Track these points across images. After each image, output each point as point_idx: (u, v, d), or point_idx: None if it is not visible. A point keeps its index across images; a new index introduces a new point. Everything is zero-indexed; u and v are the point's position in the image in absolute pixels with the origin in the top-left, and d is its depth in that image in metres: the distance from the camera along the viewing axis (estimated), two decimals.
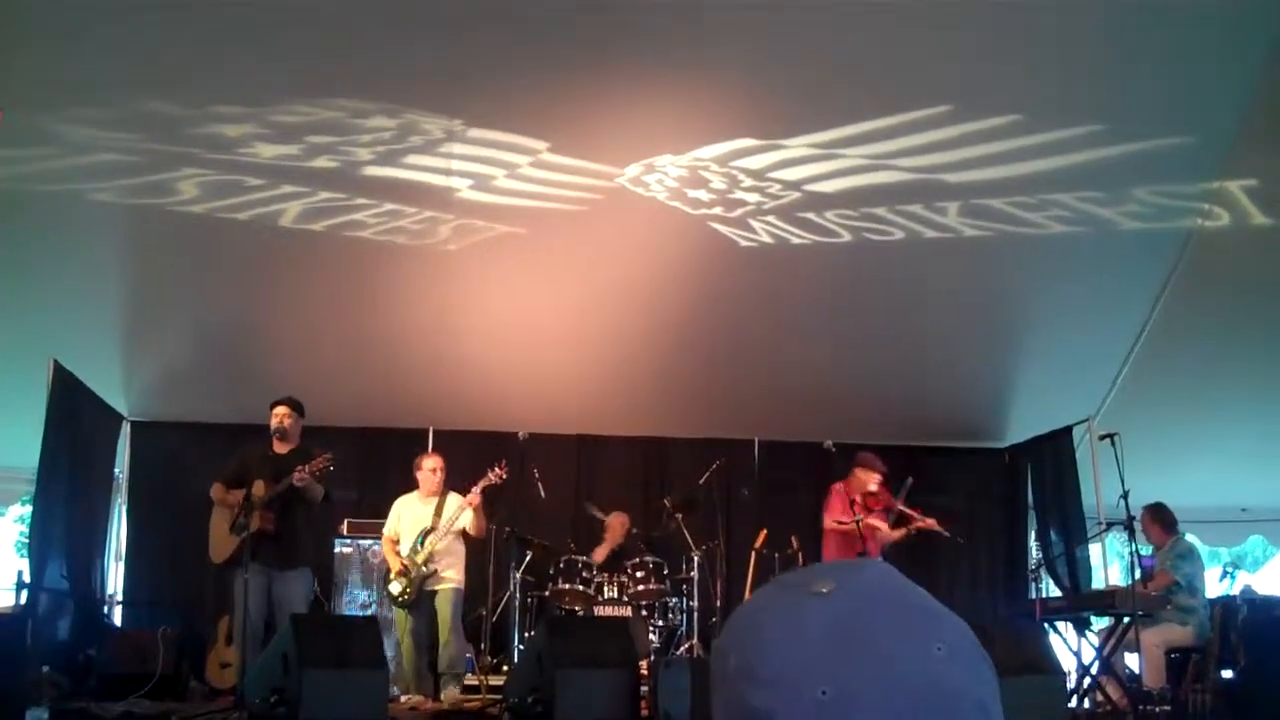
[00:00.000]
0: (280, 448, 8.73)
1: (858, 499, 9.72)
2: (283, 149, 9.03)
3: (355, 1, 8.14)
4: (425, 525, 9.36)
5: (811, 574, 1.03)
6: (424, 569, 9.22)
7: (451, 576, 9.38)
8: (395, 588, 9.28)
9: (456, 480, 9.63)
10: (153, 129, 8.83)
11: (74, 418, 9.83)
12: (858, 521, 9.44)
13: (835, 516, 9.76)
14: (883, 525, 9.69)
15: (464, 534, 9.48)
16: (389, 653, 8.75)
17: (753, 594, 1.06)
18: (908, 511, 9.84)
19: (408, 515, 9.50)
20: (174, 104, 8.69)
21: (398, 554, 9.35)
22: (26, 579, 8.80)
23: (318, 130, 8.91)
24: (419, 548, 9.27)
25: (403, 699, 9.26)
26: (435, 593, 9.30)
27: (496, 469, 9.61)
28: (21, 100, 8.33)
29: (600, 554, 10.83)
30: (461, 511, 9.37)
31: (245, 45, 8.30)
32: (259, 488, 8.39)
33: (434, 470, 9.51)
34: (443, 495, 9.51)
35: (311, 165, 9.19)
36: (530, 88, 8.66)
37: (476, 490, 9.43)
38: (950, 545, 11.40)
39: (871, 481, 9.80)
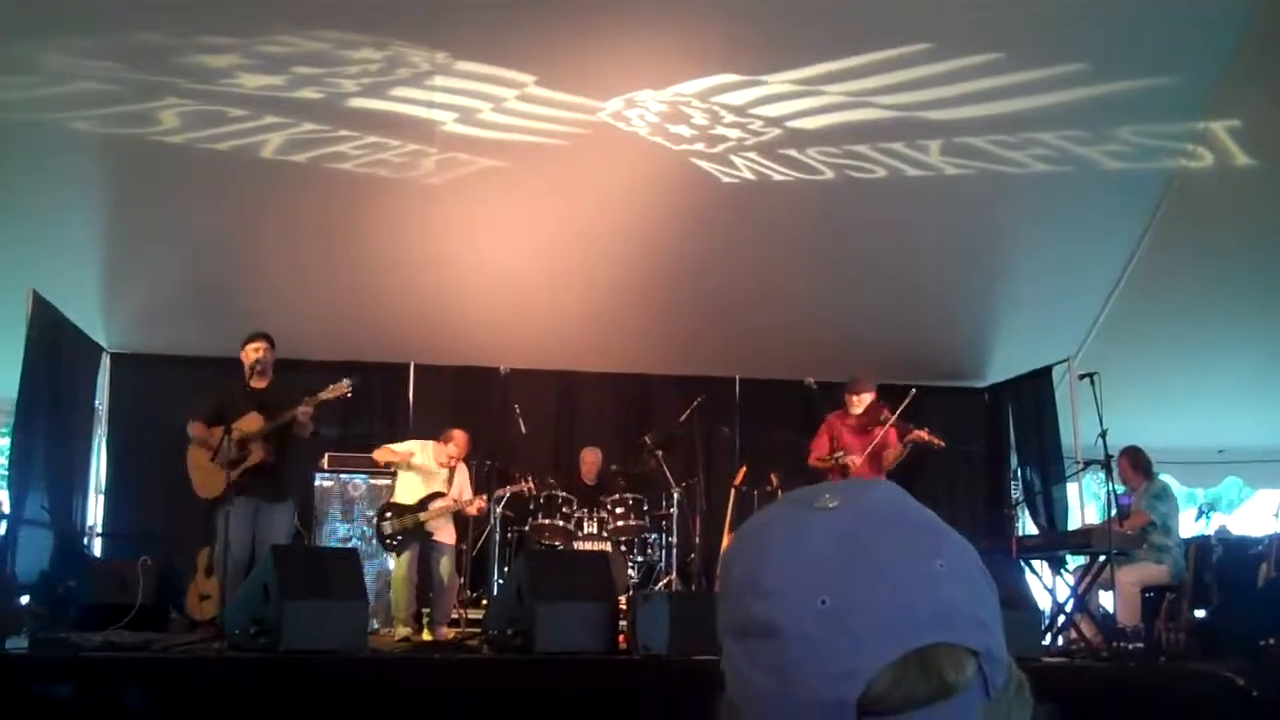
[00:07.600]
0: (258, 382, 8.69)
1: (849, 425, 9.73)
2: (267, 79, 8.94)
3: None
4: (436, 489, 9.46)
5: (820, 491, 1.04)
6: (419, 518, 9.35)
7: (447, 539, 9.53)
8: (388, 528, 9.37)
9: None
10: (136, 58, 8.71)
11: (54, 349, 9.75)
12: (836, 459, 9.51)
13: (817, 454, 9.80)
14: (857, 458, 9.57)
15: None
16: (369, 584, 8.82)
17: (760, 510, 1.08)
18: (904, 425, 9.64)
19: (425, 463, 9.58)
20: (159, 33, 8.57)
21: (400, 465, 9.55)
22: (6, 510, 8.80)
23: (304, 61, 8.82)
24: (424, 507, 9.38)
25: (382, 631, 9.34)
26: (436, 545, 9.44)
27: (528, 482, 9.87)
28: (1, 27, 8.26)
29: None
30: (470, 502, 9.52)
31: None
32: (254, 420, 8.37)
33: (451, 458, 9.60)
34: (457, 469, 9.66)
35: (296, 96, 9.10)
36: (517, 20, 8.57)
37: (496, 496, 9.74)
38: (930, 483, 11.43)
39: (858, 404, 9.74)
